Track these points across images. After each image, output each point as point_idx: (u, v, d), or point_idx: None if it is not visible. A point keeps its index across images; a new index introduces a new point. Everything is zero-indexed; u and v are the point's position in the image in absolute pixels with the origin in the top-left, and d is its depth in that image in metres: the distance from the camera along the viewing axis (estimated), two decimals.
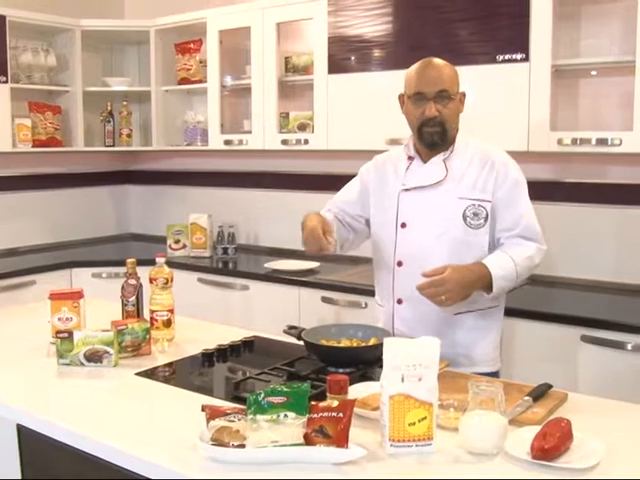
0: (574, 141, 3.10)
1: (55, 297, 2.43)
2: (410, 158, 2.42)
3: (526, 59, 3.17)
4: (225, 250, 4.45)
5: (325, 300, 3.60)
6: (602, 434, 1.61)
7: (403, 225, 2.38)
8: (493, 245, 2.34)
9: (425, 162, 2.38)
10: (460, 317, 2.34)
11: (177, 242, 4.51)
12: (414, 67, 2.34)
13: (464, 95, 2.35)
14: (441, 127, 2.29)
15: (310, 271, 3.89)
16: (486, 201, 2.30)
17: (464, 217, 2.30)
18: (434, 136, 2.30)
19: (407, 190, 2.38)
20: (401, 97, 2.38)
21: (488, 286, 2.22)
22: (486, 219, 2.30)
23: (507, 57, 3.23)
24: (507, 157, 2.37)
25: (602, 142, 3.04)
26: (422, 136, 2.33)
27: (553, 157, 3.46)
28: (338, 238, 2.48)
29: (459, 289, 2.14)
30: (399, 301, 2.41)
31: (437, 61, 2.32)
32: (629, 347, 2.76)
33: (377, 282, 2.55)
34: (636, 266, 3.33)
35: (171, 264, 3.04)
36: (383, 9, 3.57)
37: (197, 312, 3.06)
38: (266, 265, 4.00)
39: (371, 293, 3.29)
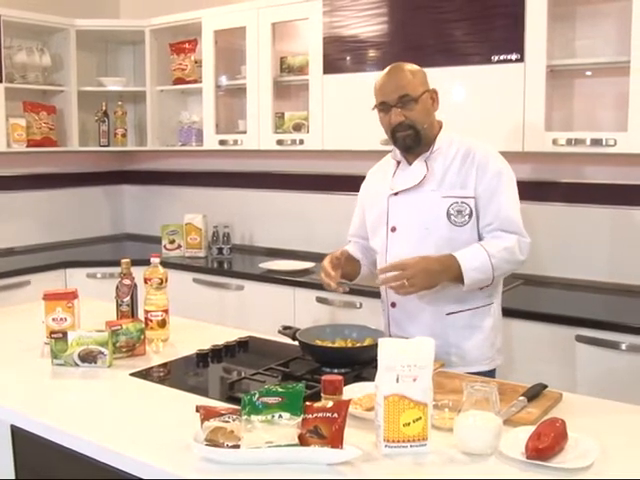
0: (569, 141, 3.10)
1: (49, 297, 2.42)
2: (398, 162, 2.45)
3: (521, 59, 3.18)
4: (220, 250, 4.44)
5: (320, 300, 3.60)
6: (597, 434, 1.62)
7: (393, 229, 2.41)
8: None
9: (410, 164, 2.41)
10: (452, 317, 2.36)
11: (172, 242, 4.50)
12: (379, 76, 2.37)
13: (435, 92, 2.37)
14: (412, 129, 2.32)
15: (305, 271, 3.88)
16: (469, 197, 2.32)
17: (448, 215, 2.32)
18: (406, 140, 2.34)
19: (395, 194, 2.41)
20: (375, 107, 2.40)
21: (459, 278, 2.23)
22: (470, 215, 2.31)
23: (502, 57, 3.23)
24: (490, 150, 2.38)
25: (597, 142, 3.04)
26: (396, 142, 2.38)
27: (548, 157, 3.46)
28: (367, 262, 2.56)
29: (423, 276, 2.17)
30: (392, 304, 2.44)
31: (397, 67, 2.35)
32: (623, 347, 2.77)
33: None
34: (630, 266, 3.33)
35: (166, 264, 3.04)
36: (378, 9, 3.57)
37: (192, 312, 3.06)
38: (261, 265, 4.00)
39: (365, 293, 3.31)
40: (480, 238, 2.34)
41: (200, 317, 2.94)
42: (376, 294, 2.43)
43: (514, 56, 3.19)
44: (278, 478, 1.47)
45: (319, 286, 3.58)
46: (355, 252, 2.55)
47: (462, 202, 2.31)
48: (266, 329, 2.63)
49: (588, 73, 3.34)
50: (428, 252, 2.27)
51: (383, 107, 2.33)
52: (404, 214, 2.39)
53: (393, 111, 2.30)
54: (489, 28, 3.27)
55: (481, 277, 2.26)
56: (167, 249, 4.49)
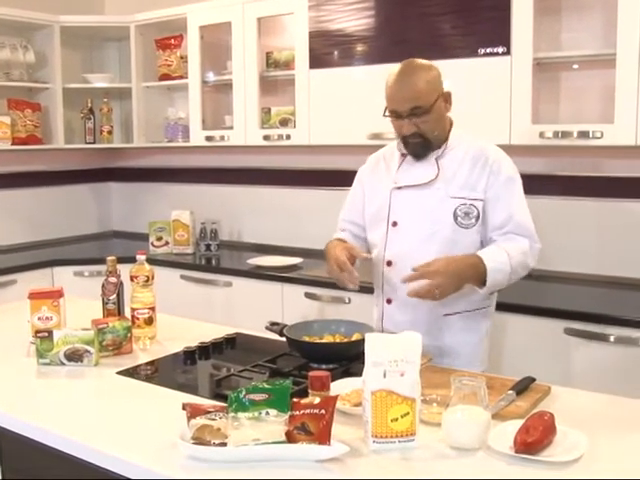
0: (556, 134, 3.10)
1: (35, 296, 2.40)
2: (403, 155, 2.39)
3: (507, 53, 3.17)
4: (208, 247, 4.43)
5: (308, 296, 3.59)
6: (585, 427, 1.61)
7: (394, 224, 2.35)
8: (485, 245, 2.30)
9: (418, 160, 2.35)
10: (449, 318, 2.32)
11: (159, 239, 4.48)
12: (391, 77, 2.27)
13: (449, 95, 2.30)
14: (422, 138, 2.26)
15: (293, 267, 3.87)
16: (478, 200, 2.27)
17: (455, 216, 2.27)
18: (416, 148, 2.30)
19: (399, 188, 2.35)
20: (385, 112, 2.32)
21: (481, 279, 2.17)
22: (477, 218, 2.27)
23: (488, 51, 3.23)
24: (501, 154, 2.33)
25: (583, 135, 3.04)
26: (406, 147, 2.33)
27: (535, 150, 3.46)
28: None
29: (453, 281, 2.10)
30: (388, 301, 2.40)
31: (412, 70, 2.25)
32: (612, 339, 2.77)
33: (373, 280, 2.50)
34: (618, 258, 3.34)
35: (153, 261, 3.03)
36: (364, 3, 3.56)
37: (180, 309, 3.05)
38: (249, 261, 3.99)
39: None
40: (485, 242, 2.29)
41: (188, 314, 2.92)
42: (365, 289, 2.41)
43: (500, 49, 3.19)
44: (266, 475, 1.46)
45: (307, 281, 3.61)
46: (350, 242, 2.46)
47: (470, 204, 2.27)
48: (255, 325, 2.62)
49: (575, 66, 3.34)
50: (430, 252, 2.22)
51: (394, 115, 2.26)
52: (407, 210, 2.34)
53: (405, 122, 2.23)
54: (475, 21, 3.26)
55: (500, 279, 2.20)
56: (154, 246, 4.47)
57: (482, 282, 2.17)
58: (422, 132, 2.25)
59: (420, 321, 2.29)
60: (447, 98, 2.30)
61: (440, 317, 2.32)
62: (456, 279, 2.12)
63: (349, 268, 2.20)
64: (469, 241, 2.27)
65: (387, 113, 2.28)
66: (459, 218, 2.27)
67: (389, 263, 2.36)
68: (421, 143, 2.28)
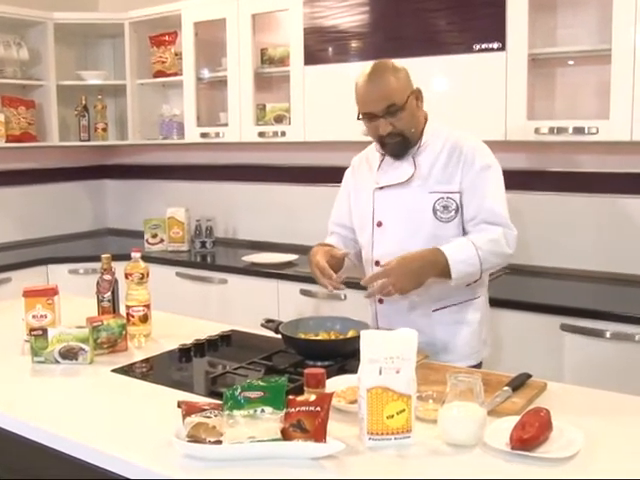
0: (551, 130, 3.10)
1: (29, 294, 2.39)
2: (382, 155, 2.40)
3: (503, 48, 3.17)
4: (203, 244, 4.42)
5: (304, 293, 3.59)
6: (581, 423, 1.61)
7: (379, 224, 2.37)
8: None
9: (397, 159, 2.36)
10: (439, 312, 2.34)
11: (154, 236, 4.47)
12: (360, 80, 2.27)
13: (419, 92, 2.30)
14: (400, 136, 2.27)
15: (289, 264, 3.87)
16: (454, 192, 2.28)
17: (434, 211, 2.28)
18: (395, 147, 2.30)
19: (381, 188, 2.37)
20: (359, 116, 2.32)
21: (446, 271, 2.16)
22: (456, 211, 2.28)
23: (484, 46, 3.22)
24: (477, 143, 2.33)
25: (579, 131, 3.04)
26: (384, 148, 2.34)
27: (530, 146, 3.46)
28: (351, 256, 2.49)
29: (407, 277, 2.12)
30: (380, 301, 2.41)
31: (380, 70, 2.25)
32: (608, 335, 2.77)
33: None
34: (614, 254, 3.34)
35: (149, 259, 3.02)
36: None
37: (175, 307, 3.04)
38: (244, 258, 3.98)
39: (350, 285, 3.29)
40: (465, 234, 2.30)
41: (184, 311, 2.92)
42: (361, 286, 2.40)
43: (496, 45, 3.18)
44: (261, 473, 1.45)
45: (303, 278, 3.60)
46: (338, 244, 2.51)
47: (448, 197, 2.27)
48: (250, 322, 2.60)
49: (570, 62, 3.34)
50: (414, 248, 2.22)
51: (368, 117, 2.26)
52: (390, 209, 2.35)
53: (381, 122, 2.24)
54: (470, 17, 3.25)
55: (469, 270, 2.20)
56: (149, 243, 4.46)
57: (447, 274, 2.17)
58: (399, 130, 2.25)
59: (411, 319, 2.29)
60: (418, 95, 2.30)
61: (429, 313, 2.33)
62: (412, 275, 2.14)
63: (329, 273, 2.24)
64: (451, 235, 2.27)
65: (360, 117, 2.29)
66: (438, 212, 2.28)
67: (377, 263, 2.36)
68: (400, 142, 2.28)
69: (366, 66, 2.29)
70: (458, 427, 1.56)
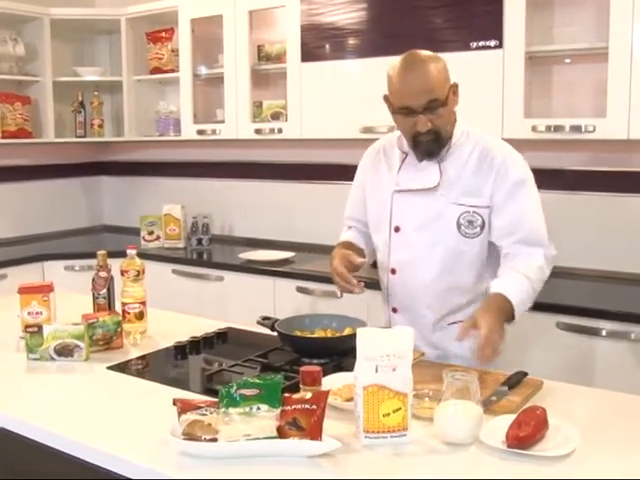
0: (548, 128, 3.10)
1: (24, 291, 2.38)
2: (404, 152, 2.26)
3: (500, 46, 3.16)
4: (199, 241, 4.42)
5: (300, 290, 3.58)
6: (577, 421, 1.62)
7: (397, 229, 2.26)
8: (492, 251, 2.20)
9: (420, 160, 2.21)
10: (454, 327, 2.19)
11: (151, 233, 4.47)
12: (396, 70, 2.08)
13: (456, 87, 2.14)
14: (436, 135, 2.11)
15: (285, 261, 3.86)
16: (482, 207, 2.15)
17: (458, 225, 2.16)
18: (429, 145, 2.14)
19: (400, 192, 2.23)
20: (387, 99, 2.14)
21: (509, 314, 2.02)
22: (482, 227, 2.15)
23: (481, 44, 3.22)
24: (509, 152, 2.20)
25: (576, 129, 3.04)
26: (417, 146, 2.17)
27: (527, 144, 3.45)
28: (369, 250, 2.40)
29: (499, 335, 1.93)
30: (394, 310, 2.35)
31: (420, 61, 2.06)
32: (604, 333, 2.78)
33: (380, 283, 2.41)
34: (610, 253, 3.34)
35: (145, 256, 3.01)
36: None
37: (172, 304, 3.04)
38: (241, 256, 3.98)
39: None
40: (492, 248, 2.19)
41: (180, 309, 2.91)
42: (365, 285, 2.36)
43: (493, 43, 3.18)
44: (256, 471, 1.45)
45: (299, 276, 3.60)
46: (358, 240, 2.40)
47: (474, 212, 2.14)
48: (246, 320, 2.60)
49: (567, 60, 3.34)
50: (434, 262, 2.17)
51: (406, 112, 2.07)
52: (409, 216, 2.22)
53: (420, 118, 2.05)
54: (468, 15, 3.25)
55: (526, 308, 2.09)
56: (146, 240, 4.45)
57: (510, 317, 2.03)
58: (437, 128, 2.09)
59: (425, 331, 2.25)
60: (455, 90, 2.14)
61: (445, 326, 2.25)
62: (500, 328, 1.95)
63: (347, 278, 2.14)
64: (475, 252, 2.17)
65: (396, 110, 2.11)
66: (462, 227, 2.15)
67: (393, 271, 2.29)
68: (433, 140, 2.12)
69: (400, 56, 2.12)
70: (454, 425, 1.56)
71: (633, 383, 2.62)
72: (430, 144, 2.14)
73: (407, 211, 2.24)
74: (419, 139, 2.13)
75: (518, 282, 2.07)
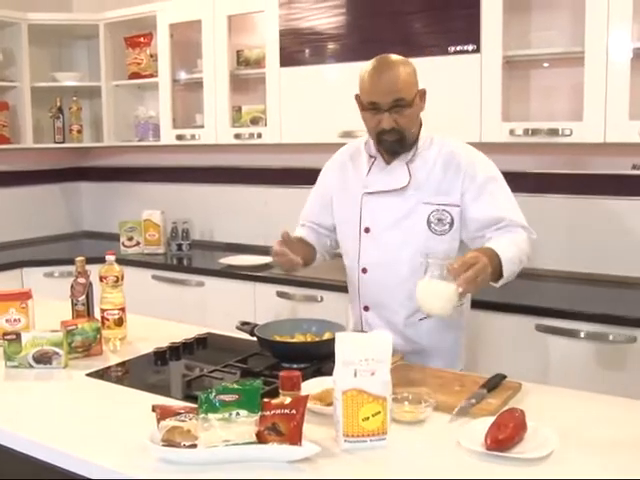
0: (526, 131, 3.12)
1: (2, 298, 2.38)
2: (371, 157, 2.32)
3: (477, 50, 3.18)
4: (179, 246, 4.40)
5: (280, 295, 3.58)
6: (556, 423, 1.63)
7: (367, 230, 2.30)
8: (464, 250, 2.21)
9: (388, 163, 2.28)
10: (425, 322, 2.26)
11: (130, 239, 4.45)
12: (368, 69, 2.18)
13: (424, 92, 2.22)
14: (399, 135, 2.18)
15: (265, 266, 3.85)
16: (452, 205, 2.21)
17: (428, 223, 2.22)
18: (393, 145, 2.21)
19: (370, 194, 2.29)
20: (357, 97, 2.23)
21: (497, 271, 2.02)
22: (451, 225, 2.22)
23: (458, 48, 3.24)
24: (474, 154, 2.27)
25: (553, 132, 3.06)
26: (381, 144, 2.24)
27: (505, 148, 3.47)
28: (320, 248, 2.46)
29: (487, 271, 1.92)
30: (366, 308, 2.37)
31: (391, 62, 2.17)
32: (582, 335, 2.79)
33: (348, 284, 2.46)
34: (588, 255, 3.36)
35: (124, 261, 3.00)
36: (334, 1, 3.55)
37: (152, 310, 3.02)
38: (221, 261, 3.97)
39: (326, 287, 3.30)
40: (468, 245, 2.22)
41: (160, 315, 2.90)
42: (337, 287, 2.40)
43: (470, 47, 3.20)
44: (236, 477, 1.45)
45: (279, 280, 3.60)
46: (309, 237, 2.45)
47: (444, 210, 2.21)
48: (227, 325, 2.59)
49: (545, 64, 3.36)
50: (405, 259, 2.21)
51: (373, 107, 2.15)
52: (379, 216, 2.28)
53: (385, 116, 2.13)
54: (446, 19, 3.27)
55: (513, 270, 2.07)
56: (125, 246, 4.44)
57: (497, 274, 2.03)
58: (400, 128, 2.16)
59: (397, 326, 2.28)
60: (422, 96, 2.22)
61: (416, 322, 2.28)
62: (488, 270, 1.93)
63: (284, 252, 2.21)
64: (443, 248, 2.19)
65: (362, 107, 2.20)
66: (432, 224, 2.22)
67: (364, 270, 2.32)
68: (398, 140, 2.19)
69: (373, 59, 2.20)
70: (431, 298, 1.89)
71: (611, 384, 2.64)
72: (394, 144, 2.21)
73: (377, 212, 2.29)
74: (383, 137, 2.20)
75: (507, 245, 2.09)
